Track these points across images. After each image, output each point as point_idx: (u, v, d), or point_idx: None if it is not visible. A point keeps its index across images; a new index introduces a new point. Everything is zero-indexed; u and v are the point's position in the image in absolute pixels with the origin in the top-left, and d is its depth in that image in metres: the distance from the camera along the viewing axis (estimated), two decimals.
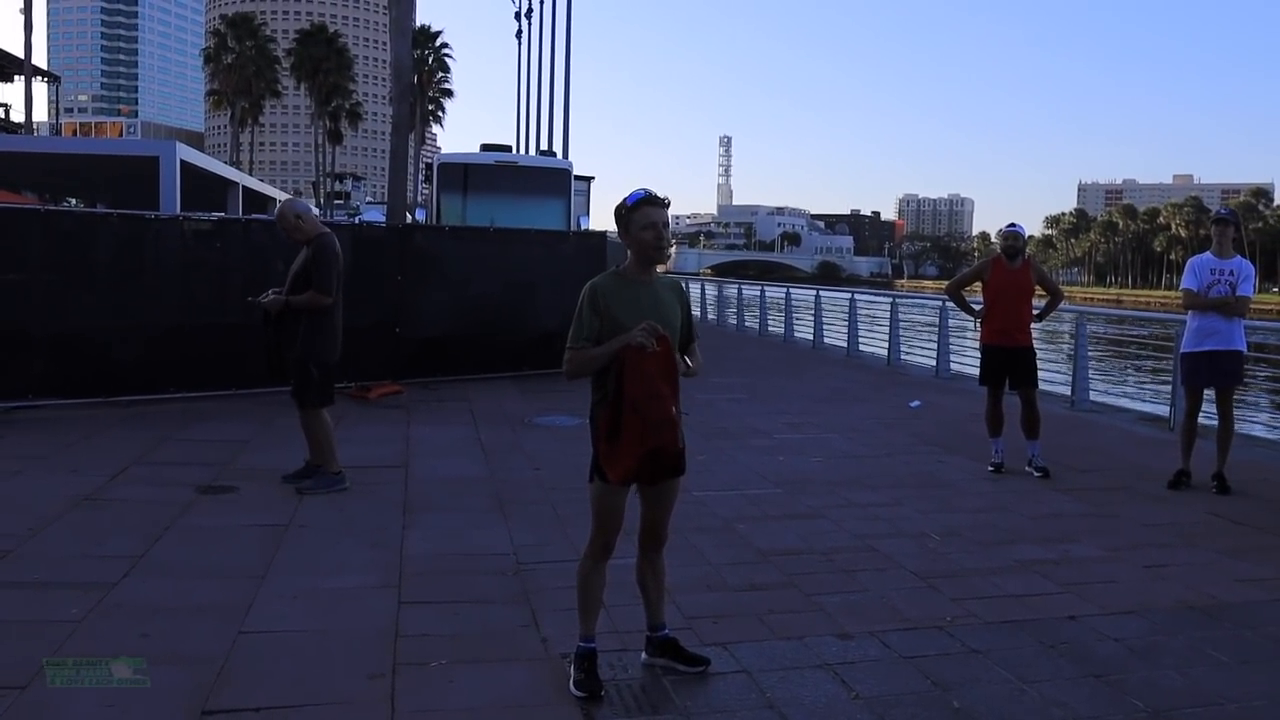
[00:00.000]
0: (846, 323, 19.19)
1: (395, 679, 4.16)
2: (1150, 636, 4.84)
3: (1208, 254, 7.98)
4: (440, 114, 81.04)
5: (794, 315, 22.26)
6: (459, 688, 4.12)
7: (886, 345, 17.46)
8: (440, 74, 78.42)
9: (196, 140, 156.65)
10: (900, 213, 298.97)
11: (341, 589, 5.24)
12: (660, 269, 4.18)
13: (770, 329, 23.41)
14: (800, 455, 8.97)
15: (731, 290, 27.88)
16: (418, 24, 52.30)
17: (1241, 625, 4.99)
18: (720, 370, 14.50)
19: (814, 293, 21.68)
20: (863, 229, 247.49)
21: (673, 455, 3.95)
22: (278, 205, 7.72)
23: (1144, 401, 13.34)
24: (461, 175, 21.32)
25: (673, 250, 5.65)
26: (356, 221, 22.95)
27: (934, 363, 15.92)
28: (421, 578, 5.44)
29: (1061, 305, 9.58)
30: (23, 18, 40.22)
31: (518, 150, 38.67)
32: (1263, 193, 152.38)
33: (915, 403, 12.39)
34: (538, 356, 13.25)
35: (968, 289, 9.08)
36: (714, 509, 6.94)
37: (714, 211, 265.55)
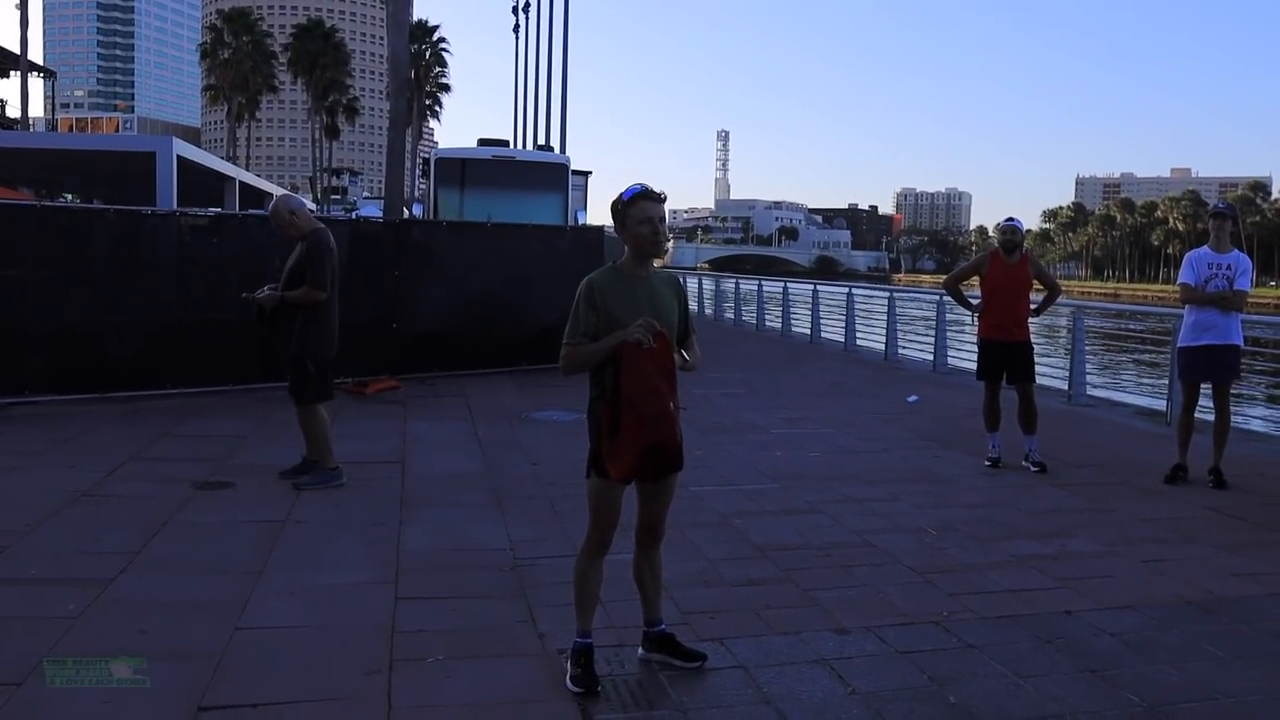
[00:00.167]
0: (844, 317, 19.19)
1: (392, 674, 4.16)
2: (1146, 631, 4.84)
3: (1205, 248, 7.98)
4: (438, 109, 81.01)
5: (791, 310, 22.26)
6: (456, 683, 4.12)
7: (884, 340, 17.46)
8: (438, 69, 78.30)
9: (193, 135, 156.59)
10: (898, 207, 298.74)
11: (339, 584, 5.24)
12: (658, 263, 4.17)
13: (768, 323, 23.40)
14: (797, 450, 8.97)
15: (729, 285, 27.90)
16: (415, 19, 52.21)
17: (1238, 620, 5.00)
18: (717, 365, 14.50)
19: (811, 287, 21.68)
20: (860, 223, 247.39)
21: (673, 451, 3.95)
22: (271, 201, 7.71)
23: (1141, 396, 13.35)
24: (459, 170, 21.30)
25: (670, 245, 5.65)
26: (354, 216, 22.91)
27: (931, 357, 15.92)
28: (418, 573, 5.44)
29: (1059, 300, 9.58)
30: (18, 13, 40.15)
31: (515, 145, 38.64)
32: (1260, 186, 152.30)
33: (913, 397, 12.40)
34: (535, 352, 13.24)
35: (965, 283, 9.08)
36: (711, 504, 6.94)
37: (711, 206, 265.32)
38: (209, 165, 30.02)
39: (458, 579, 5.39)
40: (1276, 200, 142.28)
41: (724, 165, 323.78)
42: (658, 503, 4.18)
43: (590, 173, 28.03)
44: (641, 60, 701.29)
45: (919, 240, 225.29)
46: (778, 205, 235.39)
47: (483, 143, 23.91)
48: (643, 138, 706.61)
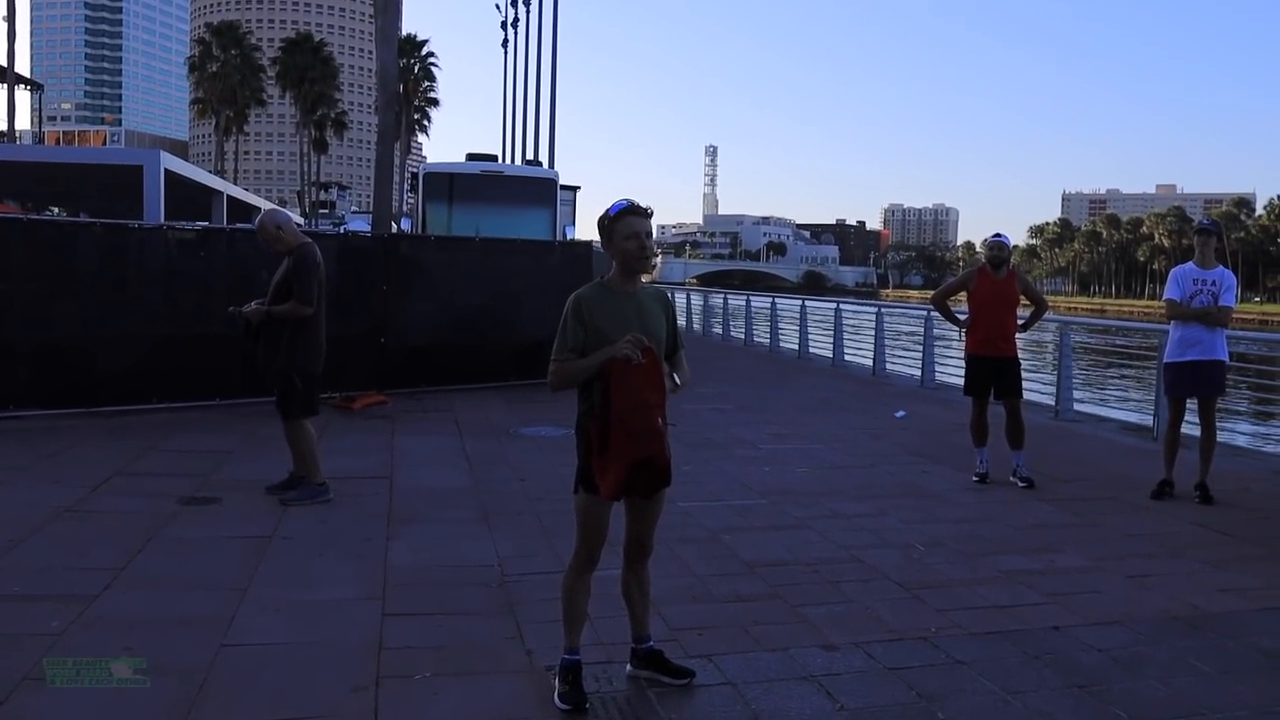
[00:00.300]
0: (832, 333, 19.23)
1: (379, 691, 4.14)
2: (1134, 647, 4.85)
3: (1190, 264, 8.03)
4: (426, 123, 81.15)
5: (779, 325, 22.30)
6: (443, 700, 4.10)
7: (872, 355, 17.50)
8: (426, 83, 78.42)
9: (181, 149, 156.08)
10: (885, 222, 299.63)
11: (325, 601, 5.22)
12: (646, 279, 4.18)
13: (756, 339, 23.43)
14: (786, 466, 8.97)
15: (717, 300, 27.92)
16: (404, 33, 52.36)
17: (1224, 635, 5.01)
18: (706, 380, 14.50)
19: (799, 302, 21.72)
20: (848, 239, 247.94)
21: (661, 467, 3.95)
22: (258, 216, 7.69)
23: (1128, 411, 13.40)
24: (447, 185, 21.31)
25: (658, 260, 5.66)
26: (342, 231, 22.88)
27: (919, 373, 15.96)
28: (406, 589, 5.42)
29: (1046, 315, 9.63)
30: (5, 25, 40.07)
31: (503, 160, 38.72)
32: (1244, 203, 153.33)
33: (900, 413, 12.42)
34: (523, 367, 13.23)
35: (953, 299, 9.11)
36: (699, 520, 6.93)
37: (700, 221, 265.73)
38: (197, 179, 29.96)
39: (445, 595, 5.37)
40: (1260, 217, 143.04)
41: (712, 180, 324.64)
42: (646, 519, 4.17)
43: (578, 187, 28.11)
44: (630, 76, 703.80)
45: (907, 256, 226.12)
46: (766, 221, 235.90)
47: (471, 157, 23.95)
48: (631, 153, 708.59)
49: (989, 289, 8.51)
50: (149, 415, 10.37)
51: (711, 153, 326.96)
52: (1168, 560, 6.36)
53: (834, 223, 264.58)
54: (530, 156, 39.55)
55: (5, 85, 42.10)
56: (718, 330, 26.27)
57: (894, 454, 9.71)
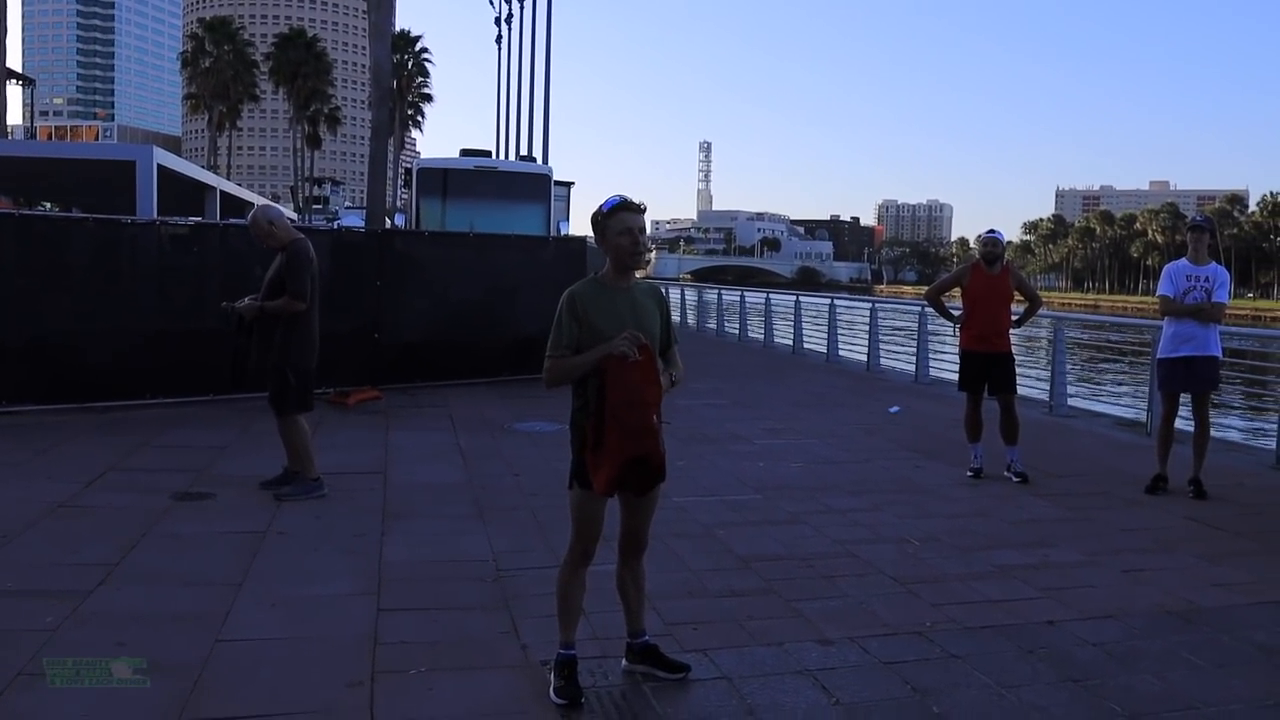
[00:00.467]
0: (826, 328, 19.24)
1: (374, 687, 4.14)
2: (1128, 641, 4.86)
3: (1184, 260, 8.04)
4: (420, 119, 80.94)
5: (774, 320, 22.30)
6: (438, 695, 4.09)
7: (866, 350, 17.51)
8: (420, 79, 78.30)
9: (174, 144, 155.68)
10: (879, 218, 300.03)
11: (320, 596, 5.21)
12: (640, 274, 4.18)
13: (750, 334, 23.44)
14: (780, 461, 8.98)
15: (711, 295, 27.92)
16: (397, 29, 52.25)
17: (1218, 630, 5.02)
18: (700, 376, 14.50)
19: (794, 298, 21.73)
20: (842, 234, 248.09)
21: (656, 463, 3.95)
22: (251, 212, 7.67)
23: (1122, 407, 13.42)
24: (441, 180, 21.27)
25: (652, 255, 5.65)
26: (335, 226, 22.83)
27: (913, 368, 15.97)
28: (400, 584, 5.41)
29: (1040, 311, 9.63)
30: None
31: (497, 155, 38.64)
32: (1238, 199, 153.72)
33: (894, 408, 12.44)
34: (517, 362, 13.22)
35: (947, 295, 9.11)
36: (694, 515, 6.93)
37: (694, 217, 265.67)
38: (190, 174, 29.83)
39: (440, 590, 5.36)
40: (1254, 213, 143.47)
41: (706, 176, 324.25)
42: (641, 514, 4.17)
43: (573, 183, 28.05)
44: (624, 71, 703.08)
45: (901, 252, 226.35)
46: (760, 216, 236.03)
47: (465, 153, 23.89)
48: (625, 148, 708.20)
49: (983, 285, 8.52)
50: (142, 410, 10.35)
51: (706, 148, 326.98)
52: (1162, 555, 6.37)
53: (828, 218, 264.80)
54: (524, 152, 39.52)
55: None
56: (712, 326, 26.27)
57: (888, 449, 9.72)
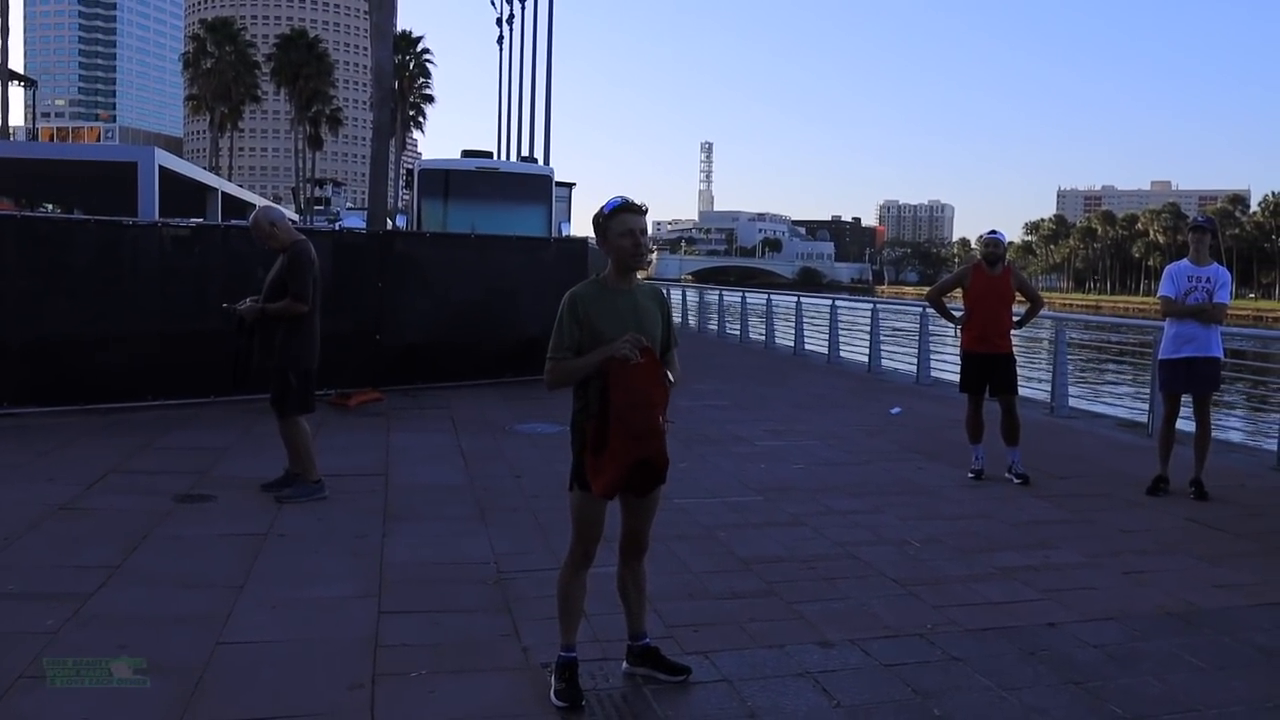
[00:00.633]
0: (827, 329, 19.24)
1: (375, 689, 4.14)
2: (1129, 643, 4.86)
3: (1185, 261, 8.04)
4: (421, 119, 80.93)
5: (775, 322, 22.28)
6: (439, 698, 4.10)
7: (867, 352, 17.50)
8: (421, 79, 78.26)
9: (175, 145, 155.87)
10: (881, 219, 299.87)
11: (321, 598, 5.21)
12: (641, 275, 4.18)
13: (751, 335, 23.43)
14: (781, 462, 8.98)
15: (713, 296, 27.91)
16: (399, 29, 52.21)
17: (1219, 631, 5.02)
18: (701, 377, 14.51)
19: (795, 299, 21.73)
20: (844, 235, 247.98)
21: (661, 466, 3.95)
22: (253, 213, 7.68)
23: (1123, 408, 13.41)
24: (442, 181, 21.28)
25: (654, 256, 5.65)
26: (337, 227, 22.84)
27: (915, 369, 15.96)
28: (402, 587, 5.42)
29: (1041, 312, 9.62)
30: None
31: (499, 156, 38.67)
32: (1239, 199, 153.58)
33: (896, 409, 12.43)
34: (519, 363, 13.22)
35: (948, 296, 9.11)
36: (695, 516, 6.93)
37: (695, 217, 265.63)
38: (191, 176, 29.87)
39: (441, 592, 5.37)
40: (1255, 213, 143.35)
41: (708, 177, 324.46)
42: (642, 516, 4.17)
43: (574, 184, 28.06)
44: (625, 72, 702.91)
45: (902, 252, 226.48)
46: (761, 217, 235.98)
47: (466, 154, 23.91)
48: (627, 149, 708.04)
49: (984, 286, 8.51)
50: (144, 412, 10.36)
51: (707, 149, 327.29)
52: (1163, 556, 6.37)
53: (829, 219, 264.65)
54: (525, 153, 39.51)
55: None
56: (713, 327, 26.26)
57: (890, 450, 9.72)
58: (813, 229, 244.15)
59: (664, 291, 4.43)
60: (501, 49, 48.48)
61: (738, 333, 24.20)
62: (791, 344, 20.66)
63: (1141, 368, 14.67)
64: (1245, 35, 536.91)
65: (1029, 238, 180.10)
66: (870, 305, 18.91)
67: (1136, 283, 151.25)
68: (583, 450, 3.96)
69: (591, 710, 3.99)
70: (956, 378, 9.22)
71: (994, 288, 8.50)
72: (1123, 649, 4.78)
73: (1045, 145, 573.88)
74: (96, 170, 27.77)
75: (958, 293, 8.90)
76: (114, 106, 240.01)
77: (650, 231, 4.10)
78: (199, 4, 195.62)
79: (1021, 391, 9.25)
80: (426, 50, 78.57)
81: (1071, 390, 12.76)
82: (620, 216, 3.97)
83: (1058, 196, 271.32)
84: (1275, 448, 9.50)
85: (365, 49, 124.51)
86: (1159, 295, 8.21)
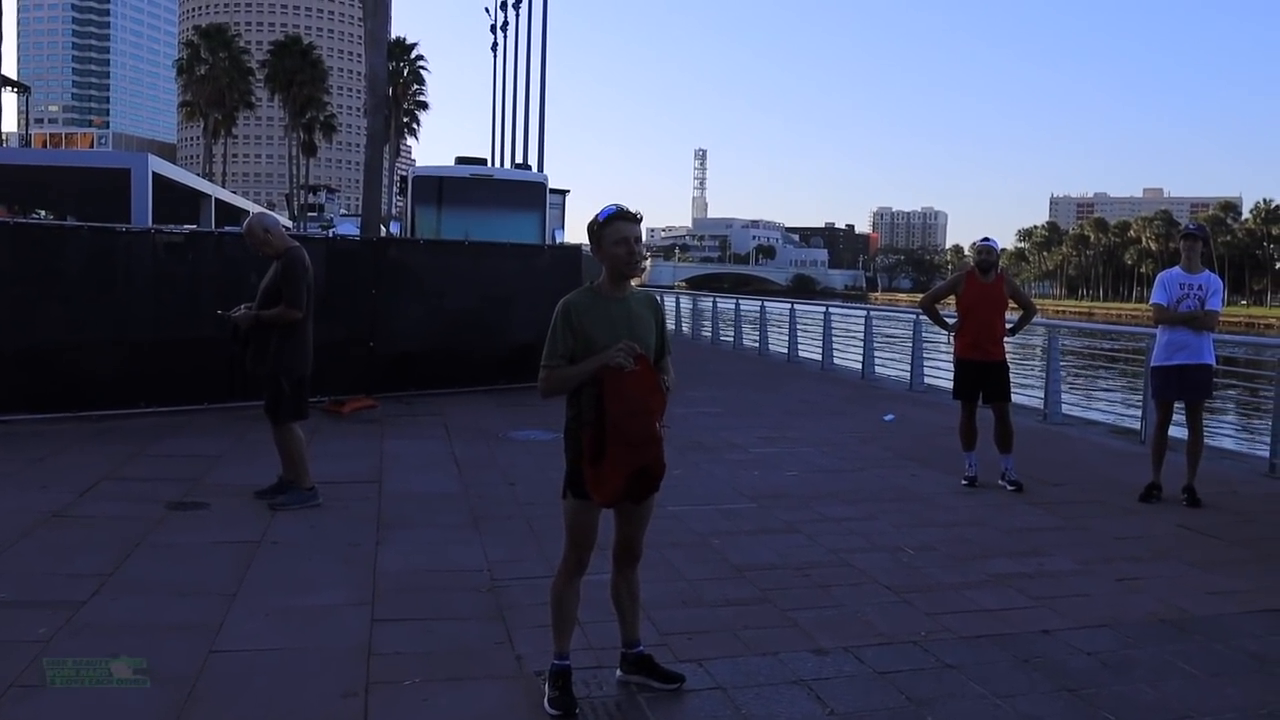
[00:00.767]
0: (821, 336, 19.26)
1: (369, 697, 4.13)
2: (1123, 650, 4.87)
3: (1177, 269, 8.07)
4: (415, 126, 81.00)
5: (769, 329, 22.31)
6: (433, 706, 4.09)
7: (861, 359, 17.52)
8: (415, 86, 78.30)
9: (169, 152, 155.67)
10: (874, 226, 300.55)
11: (314, 606, 5.20)
12: (635, 282, 4.18)
13: (745, 342, 23.45)
14: (775, 469, 8.98)
15: (706, 303, 27.93)
16: (393, 36, 52.30)
17: (1212, 638, 5.03)
18: (695, 384, 14.51)
19: (789, 306, 21.75)
20: (837, 242, 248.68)
21: (658, 473, 3.95)
22: (246, 220, 7.67)
23: (1116, 415, 13.44)
24: (436, 188, 21.31)
25: (648, 263, 5.65)
26: (330, 234, 22.84)
27: (908, 376, 15.99)
28: (395, 594, 5.41)
29: (1034, 319, 9.64)
30: None
31: (493, 163, 38.68)
32: (1231, 206, 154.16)
33: (889, 416, 12.44)
34: (513, 370, 13.21)
35: (942, 302, 9.12)
36: (689, 523, 6.93)
37: (689, 224, 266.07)
38: (185, 182, 29.85)
39: (435, 600, 5.36)
40: (1247, 220, 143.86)
41: (701, 184, 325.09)
42: (635, 523, 4.17)
43: (568, 191, 28.15)
44: (619, 78, 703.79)
45: (895, 259, 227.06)
46: (755, 224, 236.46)
47: (460, 161, 23.95)
48: (620, 156, 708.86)
49: (977, 293, 8.53)
50: (137, 420, 10.33)
51: (701, 156, 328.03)
52: (1156, 563, 6.38)
53: (823, 226, 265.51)
54: (519, 160, 39.57)
55: None
56: (707, 334, 26.27)
57: (883, 457, 9.73)
58: (806, 236, 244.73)
59: (658, 298, 4.43)
60: (495, 56, 48.59)
61: (731, 340, 24.21)
62: (785, 351, 20.67)
63: (1134, 375, 14.68)
64: (1237, 42, 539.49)
65: (1022, 244, 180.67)
66: (864, 312, 18.93)
67: (1129, 289, 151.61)
68: (577, 458, 3.95)
69: (585, 718, 3.99)
70: (950, 384, 9.23)
71: (987, 295, 8.52)
72: (1116, 656, 4.79)
73: (1038, 152, 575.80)
74: (90, 177, 27.75)
75: (951, 300, 8.92)
76: (107, 113, 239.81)
77: (644, 238, 4.11)
78: (193, 11, 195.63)
79: (1015, 398, 9.27)
80: (420, 57, 78.73)
81: (1064, 397, 12.79)
82: (615, 225, 3.97)
83: (1051, 203, 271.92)
84: (1267, 454, 9.52)
85: (359, 56, 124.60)
86: (1151, 303, 8.23)
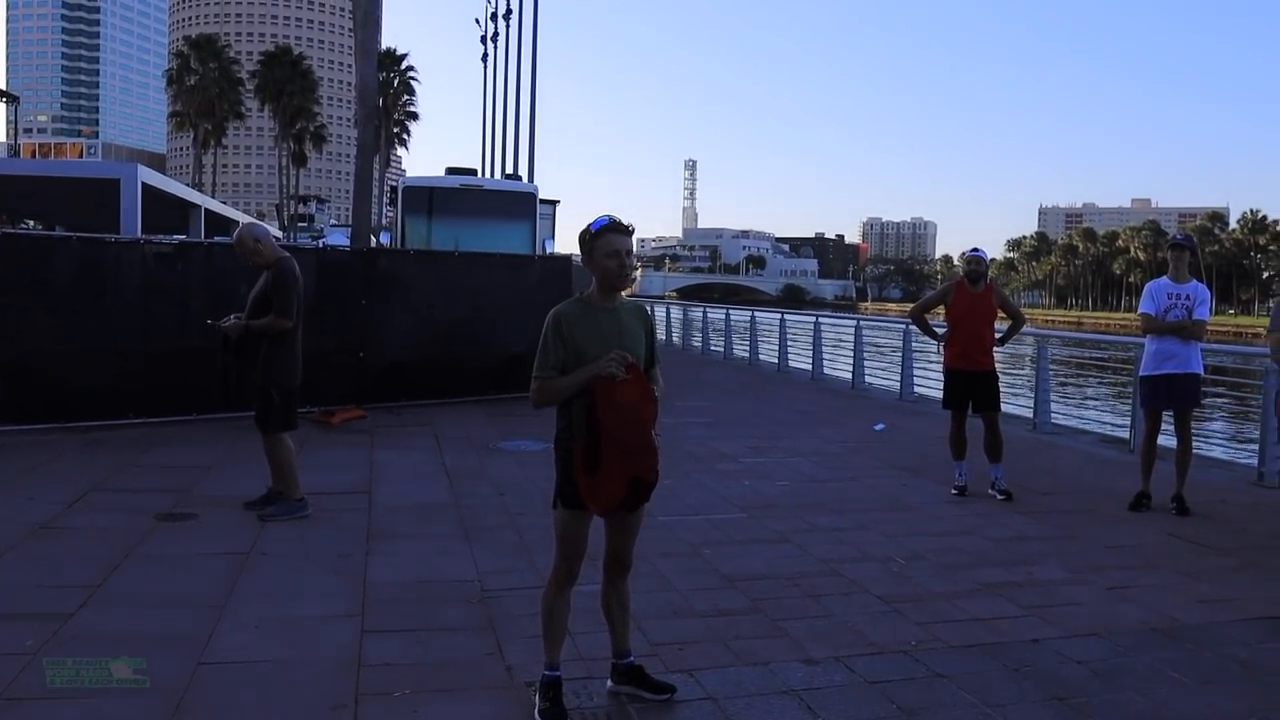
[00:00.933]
0: (811, 346, 19.29)
1: (359, 709, 4.11)
2: (1113, 659, 4.87)
3: (1165, 279, 8.10)
4: (405, 137, 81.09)
5: (759, 339, 22.33)
6: (423, 718, 4.07)
7: (851, 368, 17.54)
8: (406, 97, 78.43)
9: (158, 162, 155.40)
10: (864, 236, 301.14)
11: (304, 618, 5.18)
12: (626, 292, 4.18)
13: (735, 352, 23.47)
14: (765, 479, 8.98)
15: (697, 314, 27.95)
16: (383, 47, 52.31)
17: (1202, 646, 5.04)
18: (686, 394, 14.52)
19: (779, 316, 21.78)
20: (827, 252, 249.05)
21: (652, 482, 3.95)
22: (236, 230, 7.66)
23: (1105, 424, 13.48)
24: (426, 199, 21.28)
25: (638, 273, 5.66)
26: (320, 244, 22.80)
27: (898, 386, 16.01)
28: (385, 605, 5.39)
29: (1023, 329, 9.67)
30: None
31: (483, 174, 38.67)
32: (1218, 217, 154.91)
33: (879, 426, 12.46)
34: (503, 381, 13.22)
35: (931, 313, 9.15)
36: (679, 534, 6.93)
37: (679, 235, 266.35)
38: (174, 192, 29.79)
39: (425, 611, 5.34)
40: (1234, 230, 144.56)
41: (692, 194, 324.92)
42: (626, 533, 4.16)
43: (558, 201, 28.14)
44: (610, 89, 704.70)
45: (885, 269, 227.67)
46: (745, 234, 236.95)
47: (450, 171, 23.94)
48: (611, 166, 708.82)
49: (967, 303, 8.56)
50: (126, 430, 10.29)
51: (691, 166, 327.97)
52: (1145, 572, 6.40)
53: (813, 236, 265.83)
54: (510, 170, 39.55)
55: None
56: (697, 344, 26.29)
57: (873, 467, 9.74)
58: (796, 246, 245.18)
59: (648, 309, 4.44)
60: (486, 67, 48.62)
61: (721, 350, 24.24)
62: (775, 361, 20.70)
63: (1123, 384, 14.75)
64: (1224, 55, 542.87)
65: (1011, 255, 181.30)
66: (854, 322, 18.97)
67: (1118, 299, 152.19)
68: (568, 468, 3.95)
69: None
70: (939, 394, 9.25)
71: (976, 305, 8.55)
72: (1106, 664, 4.80)
73: (1027, 163, 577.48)
74: (79, 187, 27.67)
75: (940, 310, 8.94)
76: (97, 123, 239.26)
77: (635, 249, 4.11)
78: (183, 21, 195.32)
79: (1004, 408, 9.29)
80: (411, 68, 78.92)
81: (1054, 407, 12.82)
82: (607, 236, 3.97)
83: (1039, 214, 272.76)
84: (1255, 463, 9.56)
85: (349, 66, 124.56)
86: (1139, 312, 8.27)
